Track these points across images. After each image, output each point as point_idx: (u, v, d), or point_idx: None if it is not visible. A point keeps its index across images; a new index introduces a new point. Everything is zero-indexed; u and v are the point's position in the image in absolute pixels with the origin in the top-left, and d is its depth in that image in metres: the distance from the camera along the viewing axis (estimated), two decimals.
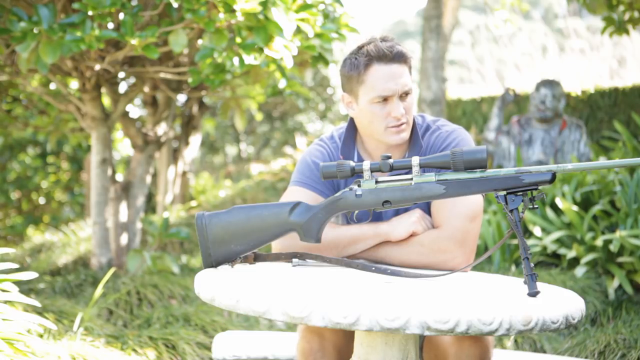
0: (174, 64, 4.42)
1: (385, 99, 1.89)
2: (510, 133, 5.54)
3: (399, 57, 1.88)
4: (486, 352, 1.84)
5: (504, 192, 1.60)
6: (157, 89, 4.84)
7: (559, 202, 4.34)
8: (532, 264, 1.53)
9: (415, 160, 1.67)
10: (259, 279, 1.59)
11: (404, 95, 1.90)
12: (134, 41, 3.30)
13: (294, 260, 1.81)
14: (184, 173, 7.13)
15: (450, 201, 1.83)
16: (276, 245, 1.88)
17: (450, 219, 1.84)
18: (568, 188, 4.55)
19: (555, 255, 4.37)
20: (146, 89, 4.72)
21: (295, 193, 1.96)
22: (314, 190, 1.96)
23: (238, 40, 3.36)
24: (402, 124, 1.90)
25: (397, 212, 1.94)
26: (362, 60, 1.89)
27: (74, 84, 5.55)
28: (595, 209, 4.27)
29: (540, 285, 1.61)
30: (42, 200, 9.06)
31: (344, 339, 1.93)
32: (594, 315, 3.73)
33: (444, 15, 6.58)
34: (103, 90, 4.37)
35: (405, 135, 1.92)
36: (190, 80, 3.65)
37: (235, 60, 3.40)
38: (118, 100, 4.41)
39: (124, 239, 4.49)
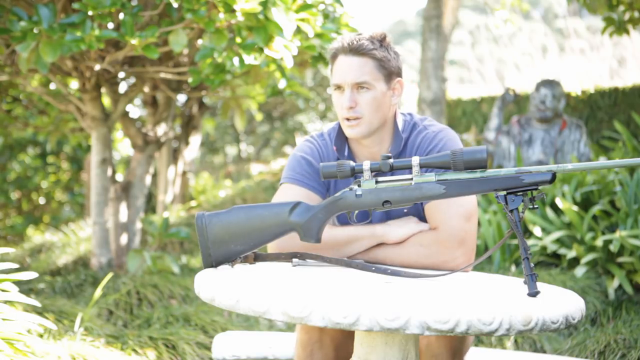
0: (174, 64, 4.42)
1: (340, 89, 1.92)
2: (510, 133, 5.54)
3: (358, 50, 1.89)
4: (458, 342, 1.84)
5: (504, 192, 1.59)
6: (157, 89, 4.84)
7: (559, 202, 4.34)
8: (532, 264, 1.52)
9: (415, 160, 1.67)
10: (259, 279, 1.59)
11: (359, 89, 1.90)
12: (134, 41, 3.30)
13: (294, 260, 1.81)
14: (184, 173, 7.13)
15: (444, 202, 1.83)
16: (272, 245, 1.88)
17: (446, 220, 1.84)
18: (568, 188, 4.55)
19: (555, 255, 4.37)
20: (146, 89, 4.72)
21: (286, 190, 1.96)
22: (305, 186, 1.96)
23: (238, 40, 3.36)
24: (352, 118, 1.90)
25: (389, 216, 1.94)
26: (331, 52, 1.96)
27: (74, 84, 5.55)
28: (595, 209, 4.27)
29: (540, 285, 1.61)
30: (42, 200, 9.07)
31: (342, 333, 1.94)
32: (594, 315, 3.73)
33: (444, 15, 6.58)
34: (103, 90, 4.37)
35: (360, 130, 1.91)
36: (190, 80, 3.65)
37: (235, 60, 3.40)
38: (118, 100, 4.41)
39: (124, 239, 4.49)
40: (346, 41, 1.91)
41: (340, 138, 2.00)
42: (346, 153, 1.99)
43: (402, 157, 1.96)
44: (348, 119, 1.91)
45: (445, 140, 1.93)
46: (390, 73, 1.93)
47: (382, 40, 1.93)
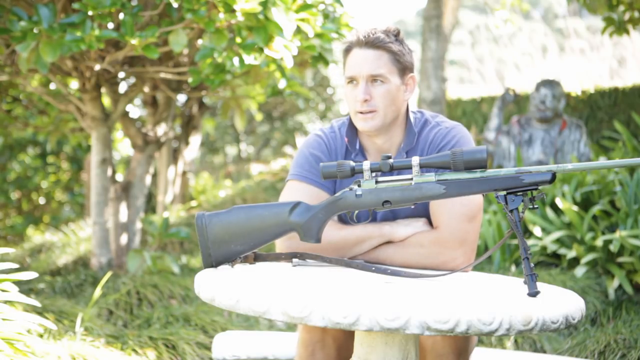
0: (174, 64, 4.42)
1: (354, 82, 1.91)
2: (510, 133, 5.54)
3: (374, 43, 1.89)
4: (463, 342, 1.84)
5: (504, 192, 1.59)
6: (157, 89, 4.84)
7: (559, 202, 4.34)
8: (532, 264, 1.52)
9: (415, 160, 1.67)
10: (259, 279, 1.59)
11: (373, 81, 1.89)
12: (134, 41, 3.30)
13: (294, 260, 1.81)
14: (184, 173, 7.13)
15: (449, 202, 1.82)
16: (281, 245, 1.88)
17: (449, 220, 1.83)
18: (568, 188, 4.55)
19: (555, 255, 4.37)
20: (146, 89, 4.72)
21: (294, 187, 1.95)
22: (314, 183, 1.95)
23: (238, 40, 3.35)
24: (367, 112, 1.89)
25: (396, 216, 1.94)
26: (345, 46, 1.95)
27: (74, 84, 5.55)
28: (595, 209, 4.27)
29: (540, 285, 1.60)
30: (42, 200, 9.06)
31: (344, 333, 1.94)
32: (594, 315, 3.73)
33: (444, 15, 6.58)
34: (103, 90, 4.37)
35: (374, 124, 1.90)
36: (190, 80, 3.65)
37: (235, 60, 3.39)
38: (118, 100, 4.41)
39: (124, 239, 4.49)
40: (361, 34, 1.90)
41: (351, 132, 1.99)
42: (357, 146, 1.98)
43: (414, 152, 1.95)
44: (362, 112, 1.90)
45: (459, 138, 1.92)
46: (405, 67, 1.93)
47: (397, 35, 1.93)
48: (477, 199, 1.85)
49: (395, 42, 1.91)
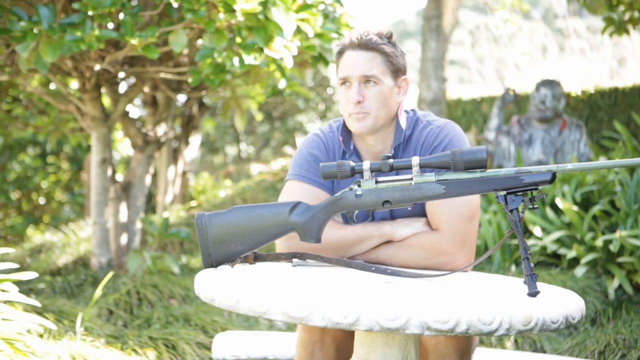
0: (174, 64, 4.42)
1: (347, 84, 1.92)
2: (510, 133, 5.54)
3: (366, 45, 1.90)
4: (466, 342, 1.84)
5: (504, 192, 1.59)
6: (157, 89, 4.84)
7: (559, 202, 4.34)
8: (532, 264, 1.52)
9: (415, 160, 1.67)
10: (259, 279, 1.59)
11: (366, 82, 1.90)
12: (134, 41, 3.30)
13: (294, 260, 1.81)
14: (184, 173, 7.13)
15: (448, 202, 1.82)
16: (281, 245, 1.88)
17: (449, 221, 1.83)
18: (568, 188, 4.55)
19: (555, 255, 4.37)
20: (146, 89, 4.72)
21: (294, 187, 1.96)
22: (313, 183, 1.95)
23: (238, 40, 3.36)
24: (359, 113, 1.90)
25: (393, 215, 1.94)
26: (338, 49, 1.97)
27: (74, 84, 5.55)
28: (595, 209, 4.27)
29: (540, 285, 1.60)
30: (42, 200, 9.07)
31: (344, 333, 1.94)
32: (594, 315, 3.73)
33: (444, 15, 6.59)
34: (103, 90, 4.37)
35: (366, 124, 1.91)
36: (190, 80, 3.65)
37: (235, 60, 3.40)
38: (118, 100, 4.41)
39: (124, 239, 4.49)
40: (354, 36, 1.92)
41: (346, 133, 2.00)
42: (351, 147, 1.99)
43: (406, 152, 1.95)
44: (356, 114, 1.90)
45: (451, 136, 1.92)
46: (397, 69, 1.93)
47: (389, 37, 1.94)
48: (476, 199, 1.85)
49: (388, 44, 1.92)
